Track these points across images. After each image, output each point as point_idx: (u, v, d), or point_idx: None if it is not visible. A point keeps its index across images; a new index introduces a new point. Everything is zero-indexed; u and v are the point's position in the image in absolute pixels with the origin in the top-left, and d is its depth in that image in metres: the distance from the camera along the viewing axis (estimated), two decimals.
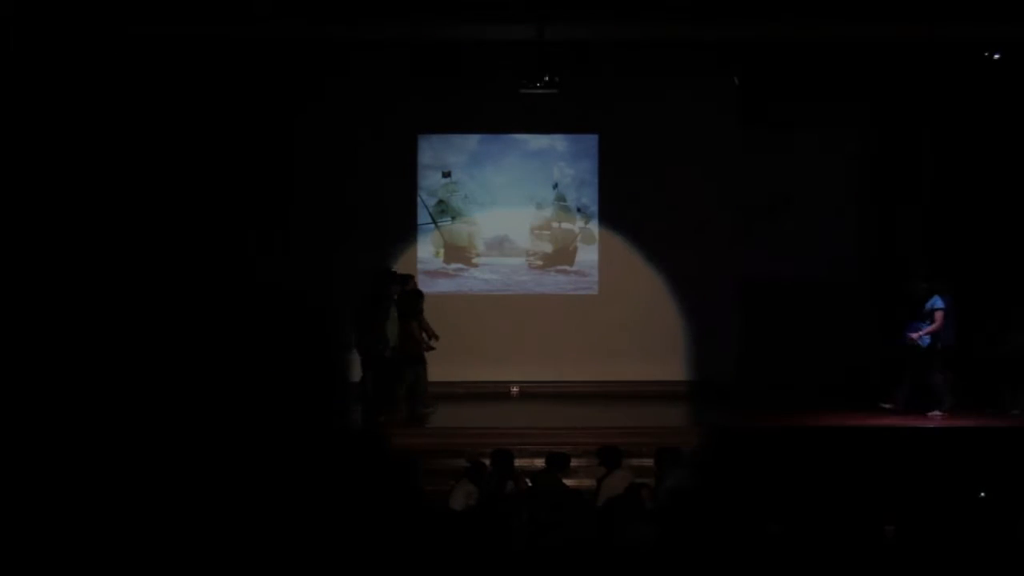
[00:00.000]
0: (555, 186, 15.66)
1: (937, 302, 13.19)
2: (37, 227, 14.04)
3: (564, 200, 15.67)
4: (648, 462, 10.74)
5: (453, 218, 15.67)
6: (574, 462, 10.61)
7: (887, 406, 13.52)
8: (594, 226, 15.63)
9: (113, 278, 14.57)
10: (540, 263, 15.60)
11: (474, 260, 15.61)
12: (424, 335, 13.26)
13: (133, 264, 14.77)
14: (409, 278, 13.67)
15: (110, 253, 14.64)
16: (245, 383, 14.22)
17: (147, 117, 14.83)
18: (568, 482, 10.25)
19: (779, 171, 15.48)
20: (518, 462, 10.56)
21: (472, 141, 15.66)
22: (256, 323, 14.83)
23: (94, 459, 10.81)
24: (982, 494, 9.26)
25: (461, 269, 15.61)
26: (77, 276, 14.51)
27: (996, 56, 14.03)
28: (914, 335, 13.13)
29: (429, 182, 15.64)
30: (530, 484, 10.00)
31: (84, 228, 14.66)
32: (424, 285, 15.16)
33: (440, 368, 13.65)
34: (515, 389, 15.27)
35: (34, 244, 13.99)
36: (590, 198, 15.64)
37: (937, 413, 13.14)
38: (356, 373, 13.57)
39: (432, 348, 13.32)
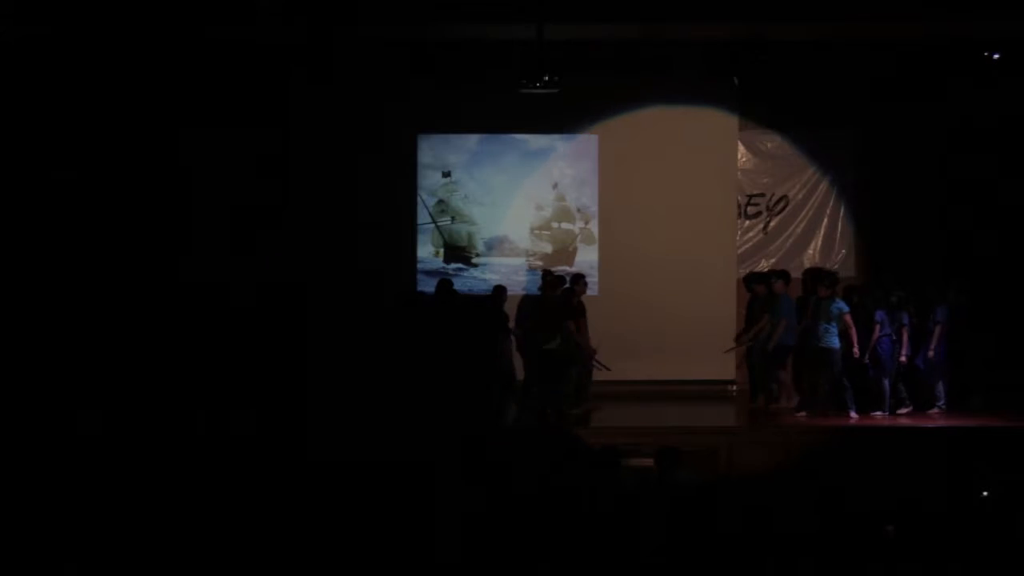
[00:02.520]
0: (555, 186, 15.66)
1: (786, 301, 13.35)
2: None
3: (564, 200, 15.68)
4: (648, 462, 10.72)
5: (453, 218, 15.67)
6: None
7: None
8: (594, 226, 15.62)
9: (118, 284, 14.74)
10: (540, 263, 15.59)
11: (474, 260, 15.60)
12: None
13: (137, 268, 14.86)
14: (562, 279, 14.05)
15: (114, 258, 14.81)
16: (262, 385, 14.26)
17: (143, 118, 14.88)
18: None
19: (778, 171, 15.53)
20: None
21: (472, 141, 15.65)
22: (256, 323, 14.82)
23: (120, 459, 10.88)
24: (983, 494, 9.27)
25: (461, 269, 15.60)
26: (88, 279, 14.65)
27: (996, 56, 14.07)
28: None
29: (429, 182, 15.63)
30: None
31: (88, 230, 14.79)
32: (424, 285, 15.18)
33: None
34: None
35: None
36: (590, 198, 15.64)
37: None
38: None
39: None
